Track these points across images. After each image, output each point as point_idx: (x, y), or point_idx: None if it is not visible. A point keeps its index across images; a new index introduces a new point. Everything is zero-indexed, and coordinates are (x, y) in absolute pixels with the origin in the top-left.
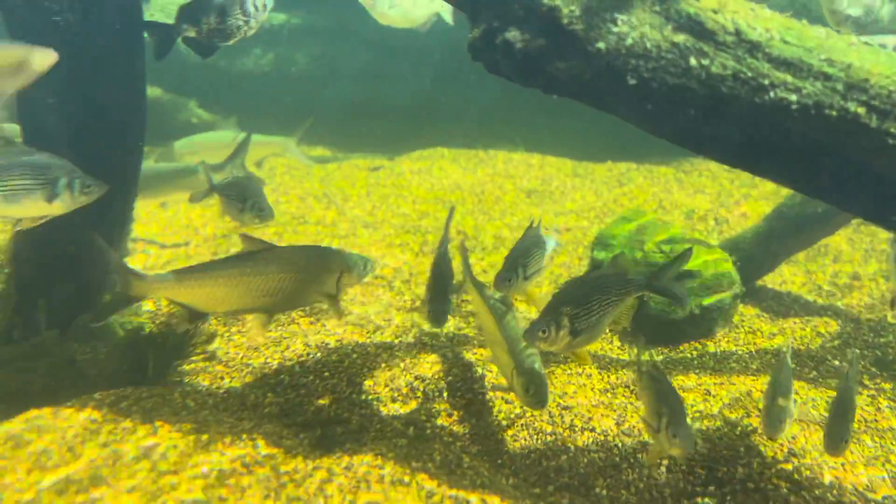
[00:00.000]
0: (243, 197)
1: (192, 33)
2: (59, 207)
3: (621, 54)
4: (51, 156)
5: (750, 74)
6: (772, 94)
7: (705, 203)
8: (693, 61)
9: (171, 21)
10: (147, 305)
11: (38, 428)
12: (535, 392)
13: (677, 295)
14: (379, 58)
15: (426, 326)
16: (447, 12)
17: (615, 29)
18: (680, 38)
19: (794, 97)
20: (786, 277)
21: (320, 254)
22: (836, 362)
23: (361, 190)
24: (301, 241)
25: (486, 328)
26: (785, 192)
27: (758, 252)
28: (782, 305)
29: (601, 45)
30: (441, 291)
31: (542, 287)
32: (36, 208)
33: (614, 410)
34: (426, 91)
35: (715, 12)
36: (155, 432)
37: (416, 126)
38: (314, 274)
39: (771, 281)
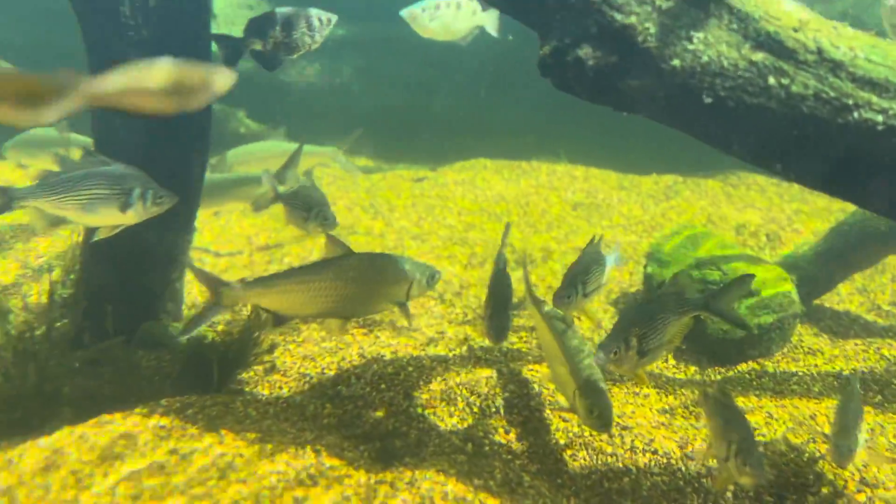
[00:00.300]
0: (308, 206)
1: (258, 46)
2: (131, 217)
3: (697, 72)
4: (127, 167)
5: (832, 94)
6: (856, 114)
7: (755, 218)
8: (772, 80)
9: (238, 34)
10: None
11: (110, 432)
12: (599, 414)
13: (736, 320)
14: (422, 69)
15: (482, 340)
16: (492, 24)
17: (690, 47)
18: (758, 56)
19: (880, 118)
20: (843, 296)
21: (394, 262)
22: None
23: (407, 201)
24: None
25: (546, 346)
26: (837, 207)
27: (817, 271)
28: (841, 326)
29: (676, 62)
30: (501, 307)
31: (595, 303)
32: (110, 217)
33: (675, 432)
34: (470, 102)
35: (795, 31)
36: (221, 440)
37: (459, 137)
38: (389, 282)
39: (828, 300)
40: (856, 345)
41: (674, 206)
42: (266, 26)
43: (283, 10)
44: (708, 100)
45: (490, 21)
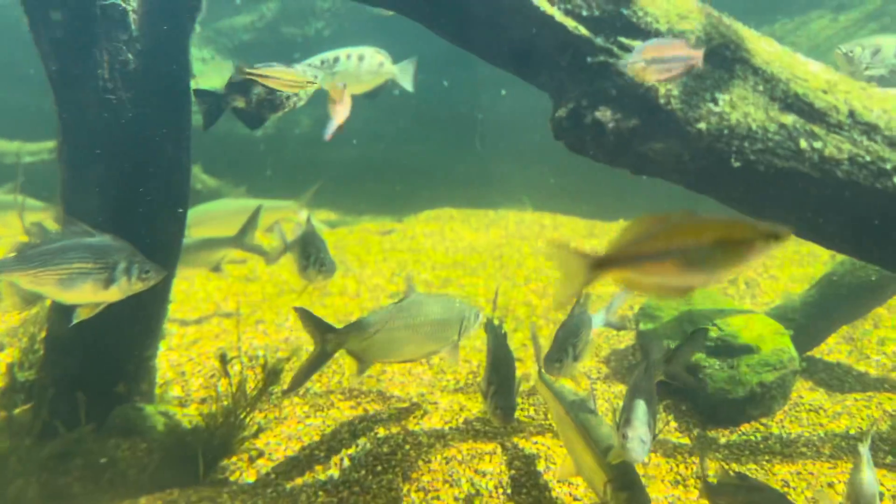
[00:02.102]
0: (306, 253)
1: (241, 103)
2: (115, 294)
3: (724, 135)
4: (113, 238)
5: (869, 158)
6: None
7: None
8: (804, 143)
9: (219, 90)
10: (176, 390)
11: None
12: None
13: (689, 382)
14: (379, 119)
15: (478, 410)
16: (405, 78)
17: (716, 109)
18: (788, 118)
19: None
20: (831, 346)
21: (452, 303)
22: None
23: (377, 255)
24: (328, 315)
25: (566, 433)
26: (805, 250)
27: (809, 323)
28: (836, 378)
29: (702, 125)
30: (506, 384)
31: (585, 361)
32: (92, 294)
33: None
34: (430, 151)
35: (825, 92)
36: None
37: (422, 186)
38: (451, 322)
39: (818, 350)
40: (855, 399)
41: None
42: (249, 82)
43: (268, 66)
44: (736, 164)
45: (403, 74)
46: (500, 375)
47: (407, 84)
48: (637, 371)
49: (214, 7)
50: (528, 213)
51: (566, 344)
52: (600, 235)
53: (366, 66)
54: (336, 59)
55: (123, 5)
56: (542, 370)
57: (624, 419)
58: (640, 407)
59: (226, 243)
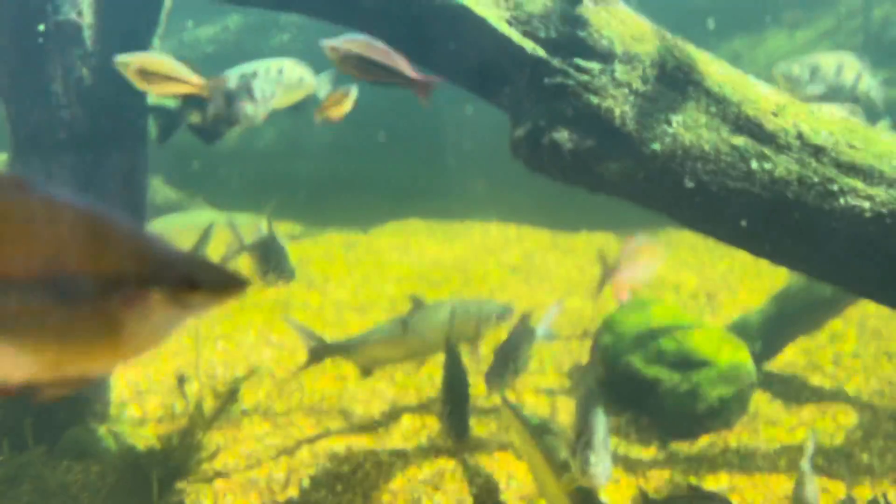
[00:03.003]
0: (266, 258)
1: (196, 119)
2: None
3: (678, 155)
4: None
5: (817, 179)
6: (842, 200)
7: (691, 278)
8: (755, 164)
9: (174, 105)
10: (132, 410)
11: None
12: None
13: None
14: (346, 131)
15: (440, 428)
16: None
17: (670, 130)
18: (739, 140)
19: (867, 204)
20: (788, 359)
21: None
22: (866, 456)
23: (341, 269)
24: (282, 333)
25: (529, 457)
26: (763, 265)
27: (766, 336)
28: (792, 390)
29: (656, 146)
30: (460, 403)
31: (548, 375)
32: None
33: None
34: (396, 162)
35: (775, 114)
36: None
37: (388, 198)
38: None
39: (775, 363)
40: (811, 411)
41: None
42: (204, 98)
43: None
44: (690, 184)
45: (322, 86)
46: (454, 395)
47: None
48: (580, 387)
49: (178, 19)
50: (493, 224)
51: (507, 358)
52: (564, 249)
53: (285, 79)
54: (255, 73)
55: (78, 20)
56: (489, 386)
57: (583, 442)
58: (599, 426)
59: None
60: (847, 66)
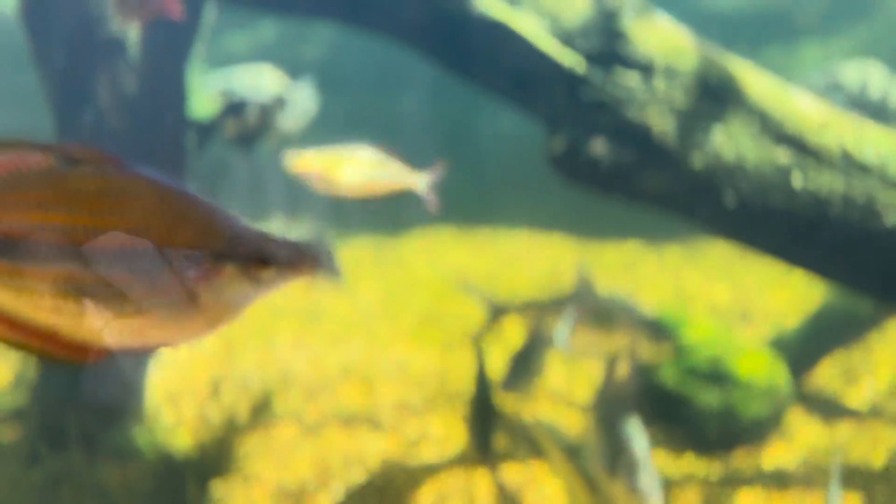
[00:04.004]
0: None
1: (232, 129)
2: None
3: (718, 170)
4: None
5: (862, 198)
6: (886, 219)
7: (724, 293)
8: (796, 181)
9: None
10: (167, 414)
11: None
12: None
13: None
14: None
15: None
16: (301, 100)
17: (711, 144)
18: (781, 155)
19: None
20: (825, 372)
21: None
22: None
23: (369, 274)
24: (318, 340)
25: (568, 483)
26: (795, 278)
27: (803, 349)
28: (829, 405)
29: (697, 160)
30: (485, 416)
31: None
32: None
33: None
34: (424, 167)
35: (818, 130)
36: None
37: (413, 200)
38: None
39: (812, 378)
40: (848, 427)
41: (639, 279)
42: (241, 109)
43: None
44: (731, 198)
45: (298, 94)
46: (480, 409)
47: (304, 102)
48: (610, 403)
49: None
50: (521, 230)
51: (521, 366)
52: (593, 259)
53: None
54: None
55: (123, 36)
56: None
57: (626, 462)
58: (641, 446)
59: None
60: (874, 77)
